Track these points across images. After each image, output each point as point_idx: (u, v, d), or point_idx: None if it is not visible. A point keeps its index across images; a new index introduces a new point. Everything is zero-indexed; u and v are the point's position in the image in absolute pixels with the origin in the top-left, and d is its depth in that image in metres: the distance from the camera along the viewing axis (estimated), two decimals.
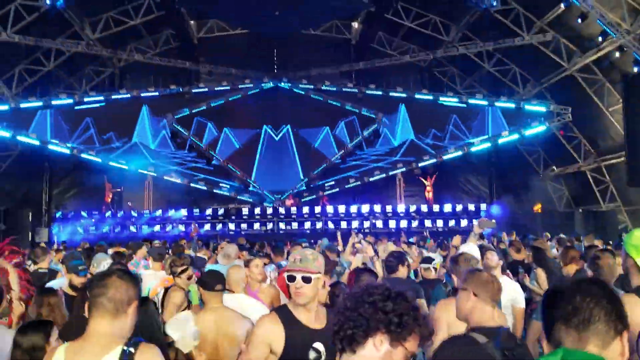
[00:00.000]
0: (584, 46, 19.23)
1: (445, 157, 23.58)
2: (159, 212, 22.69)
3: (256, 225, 22.65)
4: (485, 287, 2.91)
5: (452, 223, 22.37)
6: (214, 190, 24.07)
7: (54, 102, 22.61)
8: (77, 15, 20.88)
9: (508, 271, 6.39)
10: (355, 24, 25.34)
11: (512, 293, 4.84)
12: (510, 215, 21.23)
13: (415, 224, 22.41)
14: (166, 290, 5.45)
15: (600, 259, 4.30)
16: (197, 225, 20.76)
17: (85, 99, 23.14)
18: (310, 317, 2.94)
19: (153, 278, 5.97)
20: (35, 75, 22.88)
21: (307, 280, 2.90)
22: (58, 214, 23.28)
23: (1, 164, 22.67)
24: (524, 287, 6.21)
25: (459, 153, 23.45)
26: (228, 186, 24.27)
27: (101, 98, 23.26)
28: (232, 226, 22.47)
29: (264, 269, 5.57)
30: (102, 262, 5.64)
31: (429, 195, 24.24)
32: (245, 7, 20.36)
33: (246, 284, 5.15)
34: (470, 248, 5.19)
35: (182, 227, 21.92)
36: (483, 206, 22.94)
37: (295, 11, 21.68)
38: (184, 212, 22.65)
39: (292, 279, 2.93)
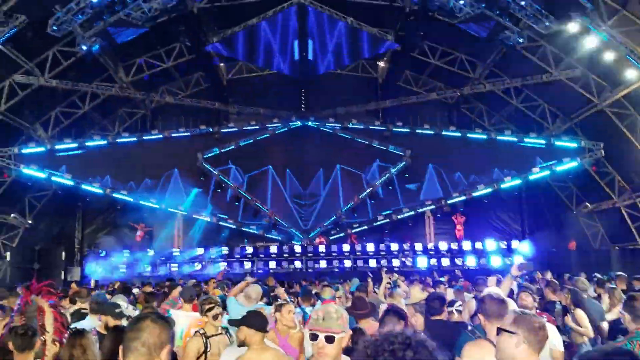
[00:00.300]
0: (614, 81, 19.03)
1: (475, 194, 23.21)
2: (190, 252, 22.81)
3: (284, 264, 22.54)
4: (537, 334, 2.79)
5: (483, 261, 21.88)
6: (243, 229, 24.11)
7: (88, 144, 23.17)
8: (112, 59, 21.53)
9: (547, 313, 6.24)
10: (382, 63, 25.54)
11: (550, 336, 4.68)
12: (543, 253, 20.70)
13: (445, 262, 21.99)
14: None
15: (636, 299, 4.15)
16: (226, 268, 20.85)
17: (118, 140, 23.66)
18: None
19: (185, 318, 5.97)
20: (71, 117, 23.64)
21: (330, 340, 2.80)
22: (90, 253, 23.54)
23: (36, 203, 23.24)
24: (562, 330, 6.04)
25: (489, 190, 23.08)
26: (256, 224, 24.27)
27: (134, 139, 23.74)
28: (260, 264, 22.42)
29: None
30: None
31: (460, 233, 23.79)
32: (272, 49, 20.85)
33: (276, 329, 5.12)
34: (497, 290, 5.13)
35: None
36: (515, 243, 22.34)
37: (322, 52, 22.10)
38: (214, 250, 22.74)
39: (314, 337, 2.82)
